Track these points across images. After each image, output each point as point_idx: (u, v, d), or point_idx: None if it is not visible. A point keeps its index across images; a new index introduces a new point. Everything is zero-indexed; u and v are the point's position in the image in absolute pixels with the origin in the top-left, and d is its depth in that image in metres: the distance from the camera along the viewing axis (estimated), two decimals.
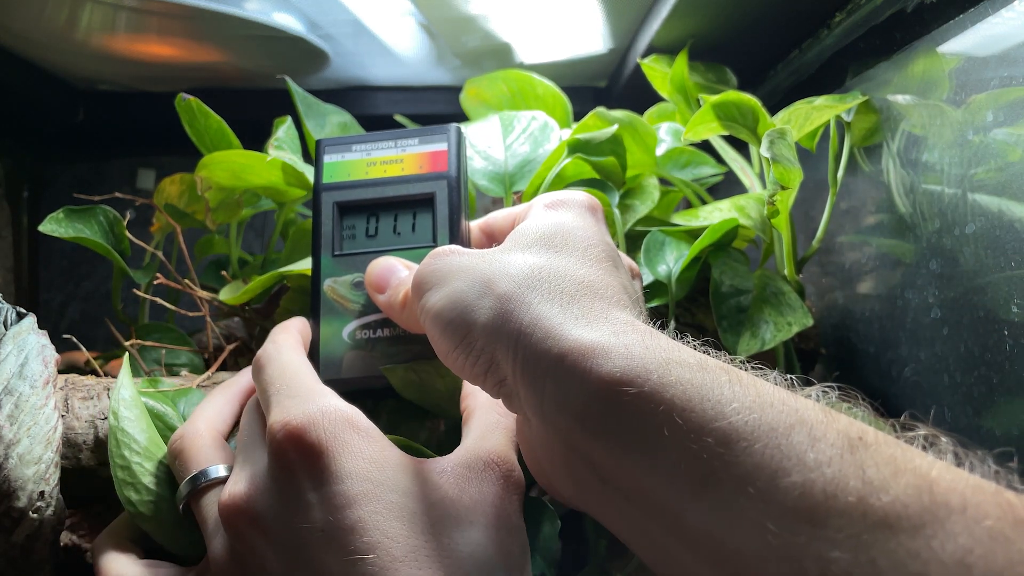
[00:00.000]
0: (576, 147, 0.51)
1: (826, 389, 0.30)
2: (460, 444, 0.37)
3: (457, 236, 0.42)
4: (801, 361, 0.55)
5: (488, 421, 0.37)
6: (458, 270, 0.34)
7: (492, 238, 0.43)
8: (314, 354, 0.41)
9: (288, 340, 0.40)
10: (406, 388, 0.41)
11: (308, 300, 0.49)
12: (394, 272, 0.40)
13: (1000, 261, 0.41)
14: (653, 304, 0.49)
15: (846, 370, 0.57)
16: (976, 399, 0.43)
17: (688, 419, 0.27)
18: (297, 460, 0.32)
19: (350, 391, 0.40)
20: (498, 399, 0.34)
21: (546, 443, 0.32)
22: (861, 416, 0.32)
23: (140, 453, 0.39)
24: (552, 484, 0.34)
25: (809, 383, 0.59)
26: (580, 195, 0.39)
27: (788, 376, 0.30)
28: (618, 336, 0.30)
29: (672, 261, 0.49)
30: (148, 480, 0.38)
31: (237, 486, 0.34)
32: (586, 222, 0.37)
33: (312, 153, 0.57)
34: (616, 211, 0.50)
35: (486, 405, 0.38)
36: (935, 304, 0.46)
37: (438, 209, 0.42)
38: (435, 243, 0.42)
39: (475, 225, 0.44)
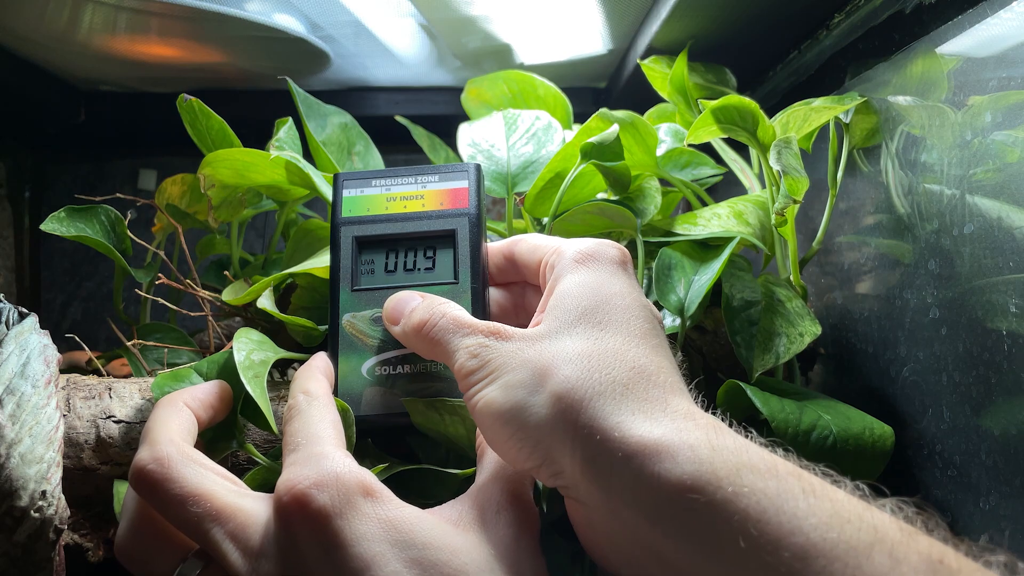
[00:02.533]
0: (588, 152, 0.51)
1: (901, 504, 0.29)
2: (474, 482, 0.36)
3: (478, 274, 0.42)
4: (801, 361, 0.56)
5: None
6: (507, 360, 0.34)
7: (514, 266, 0.43)
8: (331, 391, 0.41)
9: (320, 390, 0.39)
10: (427, 424, 0.41)
11: (318, 297, 0.49)
12: (407, 303, 0.39)
13: (998, 261, 0.41)
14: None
15: (845, 370, 0.57)
16: (974, 399, 0.43)
17: (763, 531, 0.27)
18: (303, 526, 0.32)
19: (370, 428, 0.40)
20: (553, 487, 0.33)
21: (608, 530, 0.32)
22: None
23: None
24: (610, 563, 0.34)
25: (809, 383, 0.59)
26: (611, 250, 0.38)
27: (857, 483, 0.30)
28: (681, 433, 0.29)
29: (682, 290, 0.49)
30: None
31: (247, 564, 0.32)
32: (621, 284, 0.36)
33: (313, 154, 0.57)
34: (639, 236, 0.51)
35: None
36: (933, 304, 0.46)
37: (459, 246, 0.43)
38: (456, 280, 0.42)
39: (496, 247, 0.43)
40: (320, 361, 0.41)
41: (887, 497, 0.30)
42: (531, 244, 0.41)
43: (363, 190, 0.44)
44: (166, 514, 0.34)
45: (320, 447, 0.35)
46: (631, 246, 0.53)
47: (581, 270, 0.37)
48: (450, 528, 0.33)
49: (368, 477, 0.33)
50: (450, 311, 0.37)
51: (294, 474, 0.33)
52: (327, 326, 0.46)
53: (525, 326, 0.37)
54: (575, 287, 0.36)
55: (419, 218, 0.43)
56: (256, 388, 0.40)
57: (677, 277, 0.50)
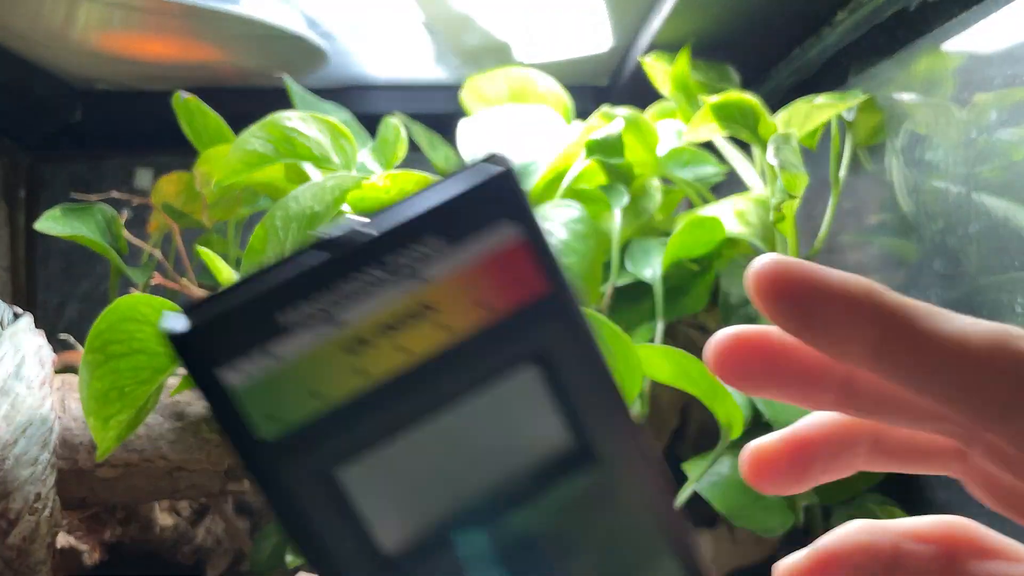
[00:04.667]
0: (593, 148, 0.51)
1: None
2: None
3: (629, 423, 0.18)
4: None
5: None
6: None
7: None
8: None
9: None
10: None
11: None
12: None
13: (1004, 261, 0.40)
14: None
15: None
16: None
17: None
18: None
19: None
20: None
21: None
22: None
23: None
24: None
25: None
26: None
27: None
28: None
29: (658, 266, 0.49)
30: None
31: None
32: None
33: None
34: (617, 221, 0.50)
35: None
36: (939, 304, 0.46)
37: (564, 379, 0.17)
38: (595, 457, 0.17)
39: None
40: None
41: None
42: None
43: (279, 356, 0.14)
44: None
45: None
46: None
47: None
48: None
49: None
50: None
51: None
52: None
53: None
54: None
55: (450, 368, 0.16)
56: None
57: (654, 256, 0.50)
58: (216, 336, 0.14)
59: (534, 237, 0.15)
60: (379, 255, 0.15)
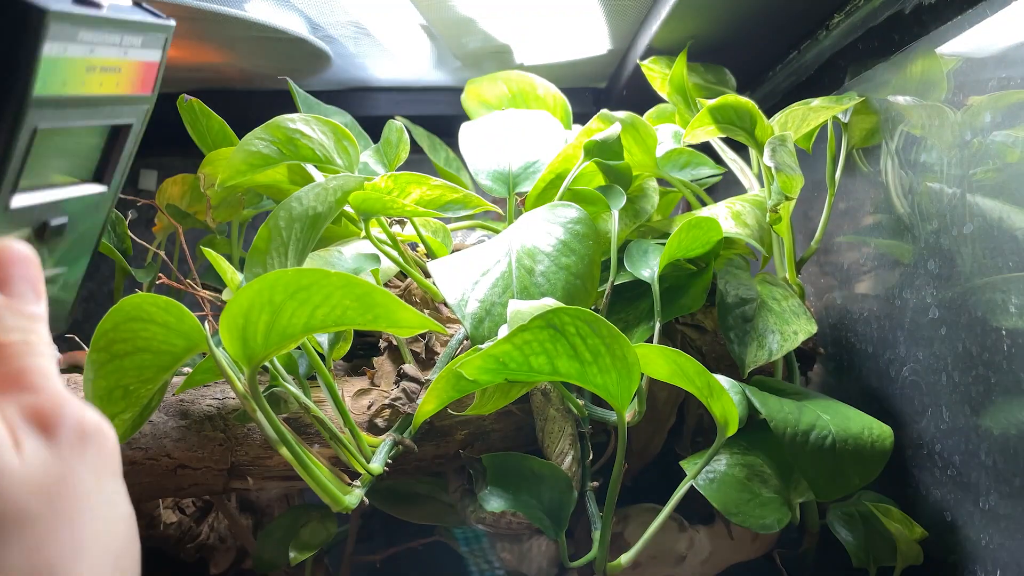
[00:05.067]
0: (591, 149, 0.51)
1: None
2: None
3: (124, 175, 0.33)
4: (800, 361, 0.56)
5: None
6: None
7: None
8: None
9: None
10: None
11: None
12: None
13: (998, 261, 0.41)
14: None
15: (844, 370, 0.57)
16: (974, 399, 0.43)
17: None
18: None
19: None
20: None
21: None
22: None
23: None
24: None
25: (808, 382, 0.59)
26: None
27: None
28: None
29: (655, 266, 0.50)
30: None
31: None
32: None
33: None
34: (615, 222, 0.51)
35: None
36: (933, 304, 0.47)
37: (127, 147, 0.32)
38: (109, 186, 0.32)
39: None
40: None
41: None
42: None
43: (68, 47, 0.26)
44: None
45: None
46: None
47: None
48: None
49: None
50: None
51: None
52: None
53: None
54: None
55: (111, 104, 0.30)
56: None
57: (652, 256, 0.50)
58: (57, 22, 0.24)
59: (164, 63, 0.32)
60: (119, 30, 0.28)
